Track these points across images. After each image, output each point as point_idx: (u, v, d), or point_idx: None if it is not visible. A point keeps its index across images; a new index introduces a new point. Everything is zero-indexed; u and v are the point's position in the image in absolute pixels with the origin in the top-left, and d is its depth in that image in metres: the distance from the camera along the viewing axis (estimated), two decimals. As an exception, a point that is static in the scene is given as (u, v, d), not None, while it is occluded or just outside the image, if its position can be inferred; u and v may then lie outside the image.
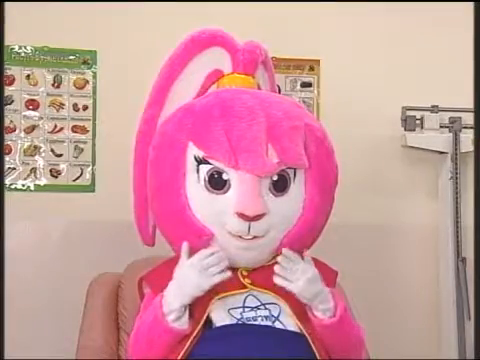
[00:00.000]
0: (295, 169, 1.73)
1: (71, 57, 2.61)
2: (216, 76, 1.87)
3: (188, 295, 1.60)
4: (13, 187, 2.53)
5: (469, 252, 2.67)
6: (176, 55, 1.85)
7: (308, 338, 1.65)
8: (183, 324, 1.61)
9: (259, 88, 1.93)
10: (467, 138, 2.68)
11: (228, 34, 1.87)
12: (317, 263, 1.82)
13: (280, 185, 1.71)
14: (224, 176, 1.68)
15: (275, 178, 1.70)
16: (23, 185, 2.56)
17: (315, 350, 1.65)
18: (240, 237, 1.68)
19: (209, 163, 1.69)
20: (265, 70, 1.99)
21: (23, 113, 2.57)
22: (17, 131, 2.56)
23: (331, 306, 1.67)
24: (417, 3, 2.77)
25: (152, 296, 1.74)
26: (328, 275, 1.81)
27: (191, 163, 1.70)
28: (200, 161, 1.69)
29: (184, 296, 1.60)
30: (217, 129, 1.67)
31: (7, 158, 2.53)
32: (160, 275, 1.76)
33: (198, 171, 1.70)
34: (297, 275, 1.65)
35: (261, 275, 1.72)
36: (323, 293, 1.67)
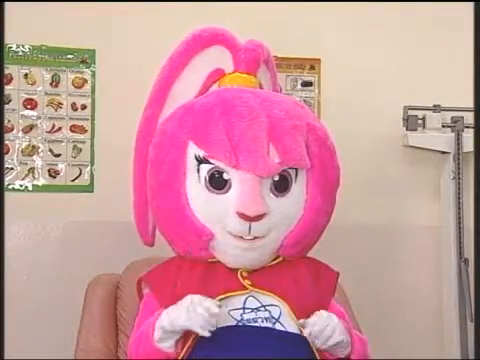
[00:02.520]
0: (297, 169, 1.72)
1: (69, 56, 2.59)
2: (217, 75, 1.86)
3: (170, 322, 1.57)
4: (11, 187, 2.52)
5: (472, 253, 2.64)
6: (177, 53, 1.84)
7: (308, 340, 1.63)
8: (169, 347, 1.59)
9: (261, 87, 1.91)
10: (469, 138, 2.64)
11: (230, 32, 1.85)
12: (318, 264, 1.83)
13: (281, 185, 1.70)
14: (225, 176, 1.67)
15: (276, 178, 1.69)
16: (21, 185, 2.54)
17: (315, 352, 1.64)
18: (241, 237, 1.68)
19: (210, 162, 1.68)
20: (267, 69, 1.97)
21: (21, 112, 2.55)
22: (15, 131, 2.54)
23: (348, 351, 1.66)
24: (418, 3, 2.75)
25: (151, 296, 1.74)
26: (329, 276, 1.81)
27: (191, 162, 1.70)
28: (201, 160, 1.68)
29: (169, 320, 1.57)
30: (218, 128, 1.66)
31: (5, 158, 2.50)
32: (160, 275, 1.76)
33: (199, 171, 1.69)
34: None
35: (261, 276, 1.72)
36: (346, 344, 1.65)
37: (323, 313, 1.62)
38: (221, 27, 1.85)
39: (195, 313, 1.52)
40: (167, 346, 1.59)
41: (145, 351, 1.63)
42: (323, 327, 1.59)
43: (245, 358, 1.57)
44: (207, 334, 1.52)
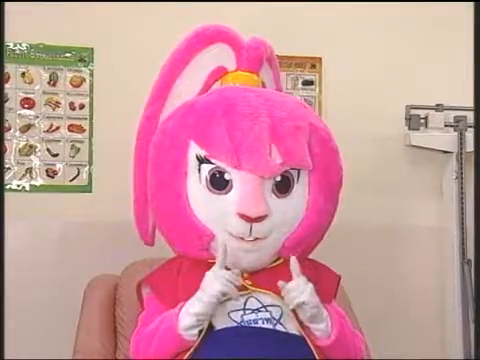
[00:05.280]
0: (299, 170, 1.71)
1: (67, 54, 2.58)
2: (219, 73, 1.85)
3: (204, 302, 1.58)
4: (8, 187, 2.50)
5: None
6: (179, 51, 1.83)
7: (308, 341, 1.63)
8: (193, 335, 1.59)
9: (264, 86, 1.91)
10: (472, 137, 2.63)
11: (233, 30, 1.85)
12: (319, 266, 1.82)
13: (283, 186, 1.69)
14: (226, 176, 1.66)
15: (278, 179, 1.68)
16: (18, 185, 2.53)
17: (315, 353, 1.63)
18: (241, 239, 1.67)
19: (211, 162, 1.67)
20: (270, 67, 1.96)
21: (18, 112, 2.54)
22: (12, 130, 2.53)
23: (323, 327, 1.64)
24: (419, 3, 2.74)
25: (153, 297, 1.74)
26: (330, 279, 1.81)
27: (193, 162, 1.69)
28: (202, 160, 1.67)
29: (199, 303, 1.58)
30: (220, 128, 1.65)
31: (2, 158, 2.49)
32: (161, 277, 1.76)
33: (199, 171, 1.68)
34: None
35: (262, 276, 1.71)
36: (318, 315, 1.64)
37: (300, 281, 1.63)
38: (223, 25, 1.84)
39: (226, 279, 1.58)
40: (193, 334, 1.58)
41: (163, 344, 1.62)
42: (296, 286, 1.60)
43: (245, 359, 1.56)
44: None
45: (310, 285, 1.61)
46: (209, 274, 1.60)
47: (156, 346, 1.63)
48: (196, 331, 1.58)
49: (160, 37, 2.46)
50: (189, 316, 1.58)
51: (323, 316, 1.64)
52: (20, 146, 2.54)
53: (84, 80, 2.59)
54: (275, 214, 1.66)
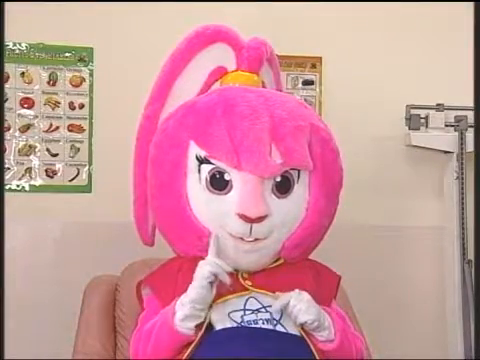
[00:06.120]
0: (299, 170, 1.70)
1: (67, 54, 2.57)
2: (220, 73, 1.84)
3: (195, 286, 1.56)
4: (8, 188, 2.50)
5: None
6: (179, 50, 1.82)
7: (308, 342, 1.62)
8: (189, 329, 1.56)
9: (264, 86, 1.90)
10: (473, 137, 2.63)
11: (233, 30, 1.84)
12: (319, 267, 1.82)
13: (283, 186, 1.69)
14: (226, 176, 1.66)
15: (278, 179, 1.68)
16: (18, 185, 2.53)
17: (316, 354, 1.62)
18: (241, 239, 1.66)
19: (211, 163, 1.66)
20: (270, 67, 1.96)
21: (18, 111, 2.54)
22: (12, 130, 2.53)
23: (326, 334, 1.63)
24: (419, 2, 2.74)
25: (153, 298, 1.73)
26: (330, 279, 1.80)
27: (192, 162, 1.68)
28: (202, 160, 1.67)
29: (192, 289, 1.56)
30: (220, 128, 1.65)
31: (1, 158, 2.49)
32: (161, 277, 1.75)
33: (199, 171, 1.68)
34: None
35: (263, 276, 1.71)
36: (320, 325, 1.62)
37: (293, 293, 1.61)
38: (223, 25, 1.84)
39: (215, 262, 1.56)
40: (188, 327, 1.56)
41: (160, 340, 1.60)
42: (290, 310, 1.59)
43: (245, 359, 1.55)
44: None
45: (304, 300, 1.60)
46: (200, 262, 1.58)
47: (153, 342, 1.62)
48: (192, 325, 1.56)
49: (160, 37, 2.45)
50: (184, 306, 1.55)
51: (325, 325, 1.63)
52: (19, 146, 2.53)
53: (84, 80, 2.59)
54: (275, 214, 1.65)
